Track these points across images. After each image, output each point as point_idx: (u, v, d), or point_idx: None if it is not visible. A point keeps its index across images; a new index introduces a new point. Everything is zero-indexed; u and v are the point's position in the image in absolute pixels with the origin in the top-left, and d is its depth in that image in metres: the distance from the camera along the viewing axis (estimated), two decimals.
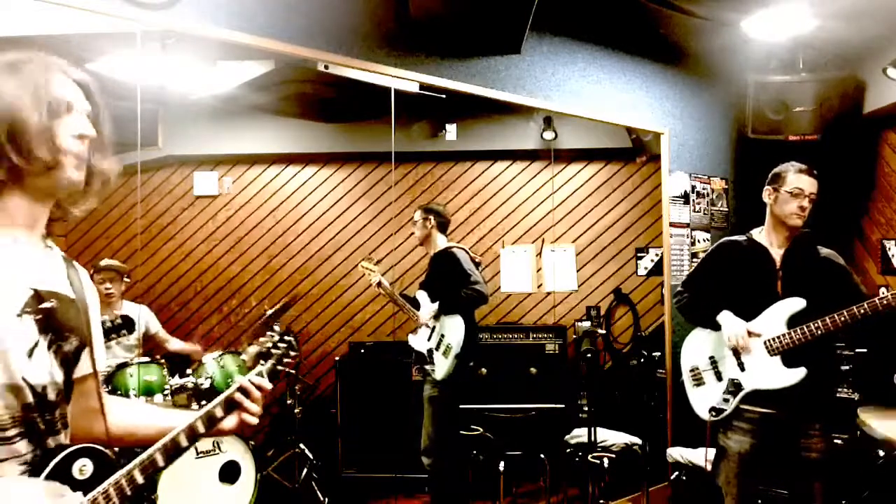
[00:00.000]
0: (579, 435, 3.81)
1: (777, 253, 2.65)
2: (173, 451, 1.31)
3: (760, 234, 2.73)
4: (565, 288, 5.04)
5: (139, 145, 3.55)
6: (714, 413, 2.62)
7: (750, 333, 2.56)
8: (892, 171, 4.22)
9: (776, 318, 2.56)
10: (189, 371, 3.52)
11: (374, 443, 4.32)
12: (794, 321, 2.53)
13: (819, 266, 2.63)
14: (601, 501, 3.65)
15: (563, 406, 4.34)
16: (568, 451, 3.80)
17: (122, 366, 3.43)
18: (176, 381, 3.42)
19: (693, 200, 4.34)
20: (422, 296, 3.81)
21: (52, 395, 1.18)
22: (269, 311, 3.52)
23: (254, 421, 1.43)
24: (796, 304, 2.54)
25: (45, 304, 1.17)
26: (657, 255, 4.89)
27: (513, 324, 5.02)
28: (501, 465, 3.69)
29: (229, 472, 3.37)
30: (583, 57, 3.92)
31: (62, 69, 1.21)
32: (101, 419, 1.30)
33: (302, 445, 4.06)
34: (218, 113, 4.68)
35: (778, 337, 2.53)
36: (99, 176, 1.25)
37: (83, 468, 1.19)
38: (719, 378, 2.69)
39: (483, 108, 4.58)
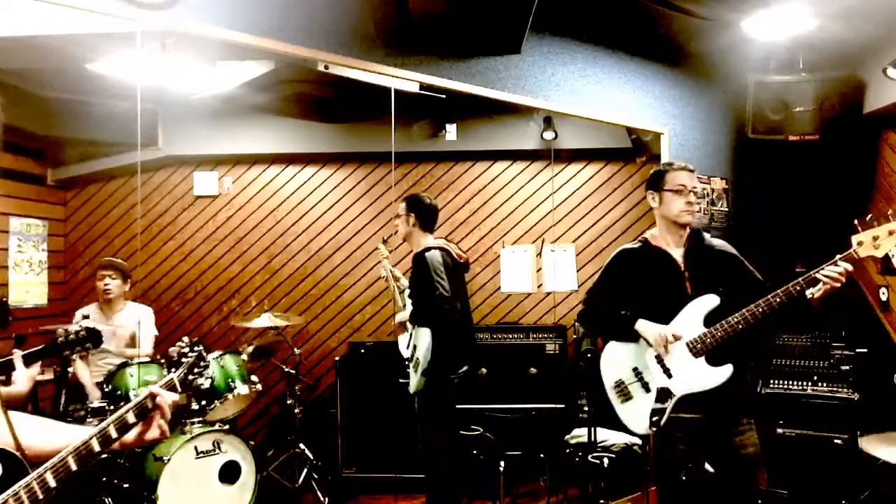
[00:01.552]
0: (579, 435, 3.81)
1: (677, 253, 2.61)
2: (86, 455, 1.30)
3: (656, 239, 2.69)
4: (565, 288, 5.03)
5: (139, 145, 3.56)
6: (654, 426, 2.52)
7: (673, 336, 2.49)
8: (892, 171, 4.22)
9: (692, 318, 2.51)
10: None
11: (374, 443, 4.32)
12: (709, 319, 2.49)
13: (718, 259, 2.62)
14: (601, 501, 3.65)
15: (563, 406, 4.34)
16: (568, 451, 3.81)
17: (123, 366, 3.43)
18: None
19: None
20: (406, 295, 3.62)
21: None
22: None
23: (164, 430, 1.43)
24: (710, 301, 2.49)
25: None
26: None
27: (513, 324, 5.02)
28: (501, 465, 3.69)
29: (229, 472, 3.37)
30: (582, 57, 3.92)
31: None
32: (4, 431, 1.29)
33: (302, 445, 4.07)
34: (218, 113, 4.69)
35: (700, 337, 2.48)
36: None
37: None
38: (647, 389, 2.59)
39: (483, 108, 4.59)
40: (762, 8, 3.46)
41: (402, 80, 3.25)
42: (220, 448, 3.35)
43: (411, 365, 3.47)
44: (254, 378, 3.77)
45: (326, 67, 3.03)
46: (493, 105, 3.74)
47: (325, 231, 5.11)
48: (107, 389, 3.39)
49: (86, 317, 3.54)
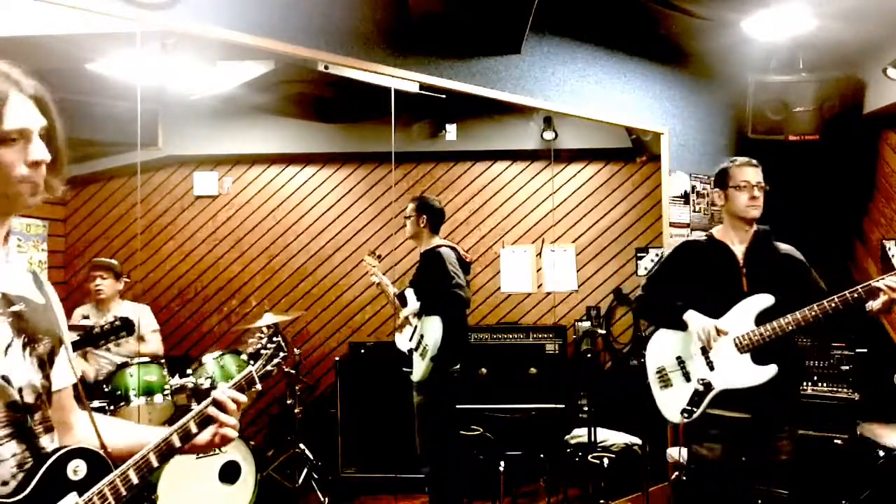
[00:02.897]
0: (579, 435, 3.81)
1: (739, 250, 2.63)
2: (167, 451, 1.34)
3: (720, 234, 2.71)
4: (565, 288, 5.03)
5: (139, 145, 3.55)
6: (686, 415, 2.53)
7: (718, 331, 2.50)
8: (892, 171, 4.22)
9: (744, 315, 2.52)
10: (189, 371, 3.52)
11: (374, 443, 4.32)
12: (761, 318, 2.49)
13: (781, 262, 2.62)
14: (601, 501, 3.65)
15: (563, 406, 4.34)
16: (568, 451, 3.80)
17: (123, 366, 3.43)
18: (176, 381, 3.42)
19: (693, 200, 4.34)
20: (409, 293, 3.72)
21: (30, 398, 1.18)
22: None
23: (233, 434, 1.43)
24: (764, 300, 2.50)
25: (15, 307, 1.17)
26: (657, 255, 4.88)
27: (513, 324, 5.02)
28: (501, 465, 3.69)
29: (229, 472, 3.37)
30: (583, 57, 3.91)
31: (18, 85, 1.16)
32: (86, 425, 1.31)
33: (302, 445, 4.07)
34: (218, 113, 4.68)
35: (748, 334, 2.48)
36: (49, 192, 1.23)
37: (77, 469, 1.20)
38: (688, 378, 2.63)
39: (483, 108, 4.58)
40: (762, 8, 3.45)
41: (402, 80, 3.25)
42: (219, 448, 3.35)
43: (417, 353, 3.54)
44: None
45: (326, 67, 3.03)
46: (493, 105, 3.75)
47: (325, 231, 5.10)
48: (107, 389, 3.39)
49: (85, 317, 3.54)
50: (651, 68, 4.19)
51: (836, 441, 3.42)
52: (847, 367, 3.55)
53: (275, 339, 1.65)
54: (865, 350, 3.58)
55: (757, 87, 4.17)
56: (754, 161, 2.66)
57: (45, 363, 1.22)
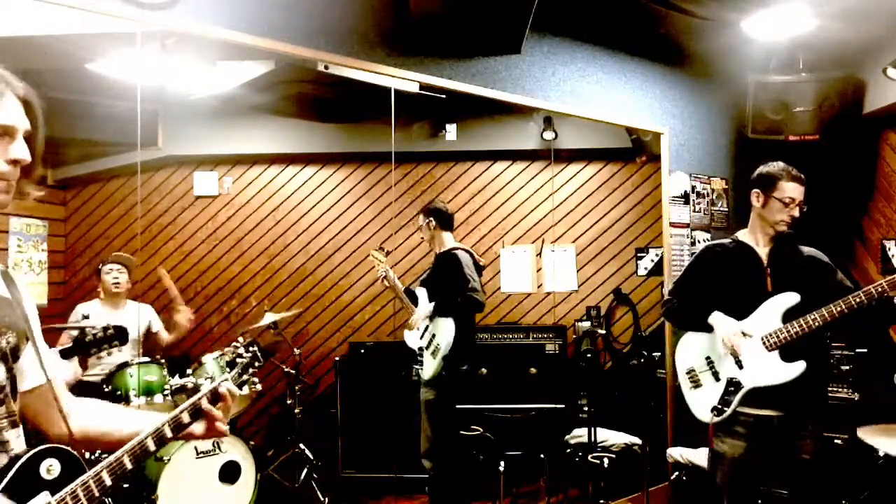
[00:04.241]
0: (579, 435, 3.81)
1: (763, 251, 2.67)
2: (141, 454, 1.34)
3: (745, 236, 2.75)
4: (565, 288, 5.03)
5: (139, 145, 3.56)
6: (716, 413, 2.59)
7: (744, 333, 2.54)
8: (892, 171, 4.22)
9: (771, 314, 2.56)
10: (189, 371, 3.52)
11: (374, 443, 4.32)
12: (788, 316, 2.52)
13: (804, 263, 2.65)
14: (601, 501, 3.65)
15: (563, 406, 4.34)
16: (568, 451, 3.80)
17: (123, 366, 3.43)
18: (176, 381, 3.42)
19: (693, 200, 4.33)
20: (421, 293, 3.81)
21: None
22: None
23: (223, 428, 1.49)
24: (791, 298, 2.53)
25: None
26: (657, 255, 4.88)
27: (513, 324, 5.02)
28: (501, 465, 3.69)
29: (229, 472, 3.37)
30: (582, 57, 3.91)
31: (10, 85, 1.18)
32: (60, 423, 1.32)
33: (302, 445, 4.06)
34: (218, 113, 4.68)
35: (775, 332, 2.52)
36: (22, 197, 1.23)
37: (50, 468, 1.20)
38: (717, 378, 2.67)
39: (483, 108, 4.58)
40: (762, 8, 3.45)
41: (402, 80, 3.24)
42: (220, 448, 3.35)
43: (428, 352, 3.64)
44: (254, 378, 3.76)
45: (326, 67, 3.03)
46: (493, 105, 3.75)
47: (325, 231, 5.11)
48: (107, 390, 3.39)
49: (86, 317, 3.54)
50: (651, 68, 4.19)
51: (836, 441, 3.42)
52: (847, 367, 3.55)
53: (251, 348, 1.66)
54: (865, 350, 3.59)
55: (757, 87, 4.17)
56: (803, 177, 2.65)
57: (9, 357, 1.22)
